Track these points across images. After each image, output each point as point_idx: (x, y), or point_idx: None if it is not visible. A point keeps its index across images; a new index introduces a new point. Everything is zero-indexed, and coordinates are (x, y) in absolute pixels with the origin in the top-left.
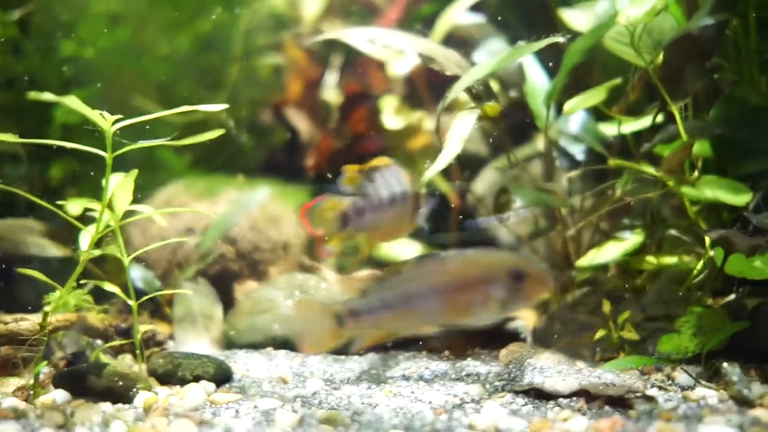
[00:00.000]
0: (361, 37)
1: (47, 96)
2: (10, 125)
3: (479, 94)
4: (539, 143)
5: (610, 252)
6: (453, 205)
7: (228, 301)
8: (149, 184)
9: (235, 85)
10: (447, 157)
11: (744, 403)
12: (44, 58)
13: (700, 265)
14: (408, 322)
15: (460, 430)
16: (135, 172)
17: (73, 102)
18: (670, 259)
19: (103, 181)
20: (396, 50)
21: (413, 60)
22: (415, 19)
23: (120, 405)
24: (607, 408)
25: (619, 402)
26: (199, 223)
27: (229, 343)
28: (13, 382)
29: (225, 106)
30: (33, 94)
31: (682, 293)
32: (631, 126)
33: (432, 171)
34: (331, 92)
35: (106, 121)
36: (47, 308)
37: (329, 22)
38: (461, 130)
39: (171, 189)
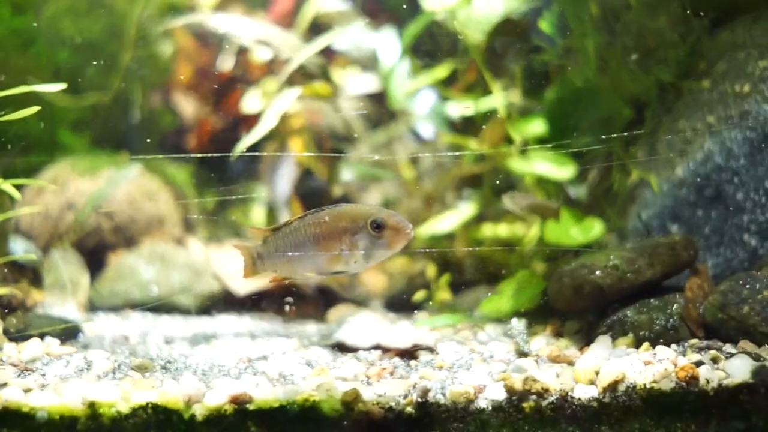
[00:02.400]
0: (208, 23)
1: None
2: None
3: (310, 73)
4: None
5: (447, 222)
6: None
7: (103, 271)
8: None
9: (128, 70)
10: (260, 131)
11: (522, 354)
12: None
13: (531, 233)
14: (295, 268)
15: (248, 375)
16: None
17: None
18: (503, 229)
19: None
20: (235, 36)
21: None
22: None
23: None
24: (396, 359)
25: (407, 354)
26: (81, 198)
27: (93, 307)
28: None
29: (63, 86)
30: None
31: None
32: (470, 104)
33: (243, 144)
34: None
35: None
36: None
37: (229, 10)
38: (279, 107)
39: (58, 167)
